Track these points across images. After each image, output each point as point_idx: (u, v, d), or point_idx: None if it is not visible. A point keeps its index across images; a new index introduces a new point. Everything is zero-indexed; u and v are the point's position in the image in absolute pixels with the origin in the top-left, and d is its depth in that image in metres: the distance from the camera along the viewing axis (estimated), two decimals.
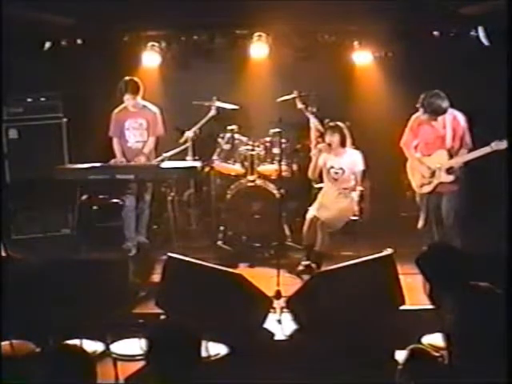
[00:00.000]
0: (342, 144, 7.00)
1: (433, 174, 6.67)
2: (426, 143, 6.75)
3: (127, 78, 7.24)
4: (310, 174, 7.18)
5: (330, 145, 6.99)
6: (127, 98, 7.18)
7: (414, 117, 6.77)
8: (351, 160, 7.02)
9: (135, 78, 7.27)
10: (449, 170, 6.58)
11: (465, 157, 6.52)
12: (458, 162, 6.55)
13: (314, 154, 7.16)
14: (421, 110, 6.59)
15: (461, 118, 6.58)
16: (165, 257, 5.65)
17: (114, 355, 5.03)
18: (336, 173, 7.03)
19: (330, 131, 7.03)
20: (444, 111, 6.52)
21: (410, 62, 8.08)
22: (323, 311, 5.19)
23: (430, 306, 4.11)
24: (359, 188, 7.09)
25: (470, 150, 6.55)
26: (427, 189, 6.74)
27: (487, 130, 6.76)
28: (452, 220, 6.64)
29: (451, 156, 6.59)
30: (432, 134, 6.67)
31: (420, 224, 6.82)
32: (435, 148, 6.66)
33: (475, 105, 6.98)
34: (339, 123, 7.06)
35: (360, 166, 7.01)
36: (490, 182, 7.22)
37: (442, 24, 7.82)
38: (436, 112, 6.51)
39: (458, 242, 6.43)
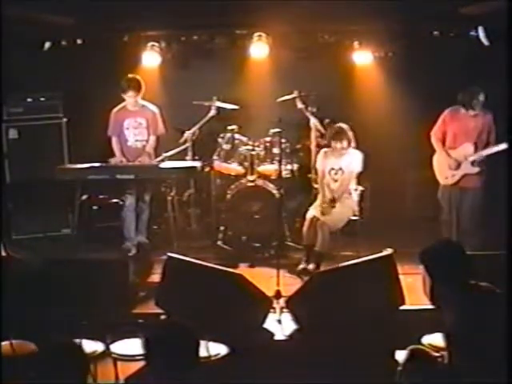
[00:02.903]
0: (349, 146, 7.01)
1: (458, 166, 6.86)
2: (454, 135, 6.91)
3: (130, 75, 7.26)
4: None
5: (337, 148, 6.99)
6: (130, 95, 7.17)
7: (448, 110, 6.93)
8: (350, 160, 7.01)
9: (138, 77, 7.28)
10: (473, 163, 6.79)
11: (488, 150, 6.74)
12: (481, 155, 6.77)
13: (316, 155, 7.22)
14: (458, 105, 6.81)
15: (490, 116, 6.80)
16: (165, 257, 5.65)
17: (114, 355, 5.02)
18: (336, 173, 7.03)
19: (337, 137, 6.95)
20: (480, 107, 6.74)
21: (410, 61, 8.08)
22: (323, 311, 5.19)
23: (430, 306, 4.11)
24: (360, 188, 7.10)
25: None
26: (451, 180, 6.91)
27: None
28: (471, 216, 6.82)
29: (477, 150, 6.80)
30: (462, 127, 6.86)
31: (443, 218, 7.00)
32: (462, 141, 6.86)
33: None
34: (343, 126, 7.01)
35: (358, 167, 7.00)
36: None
37: (442, 24, 7.81)
38: (474, 107, 6.72)
39: (474, 239, 6.52)
